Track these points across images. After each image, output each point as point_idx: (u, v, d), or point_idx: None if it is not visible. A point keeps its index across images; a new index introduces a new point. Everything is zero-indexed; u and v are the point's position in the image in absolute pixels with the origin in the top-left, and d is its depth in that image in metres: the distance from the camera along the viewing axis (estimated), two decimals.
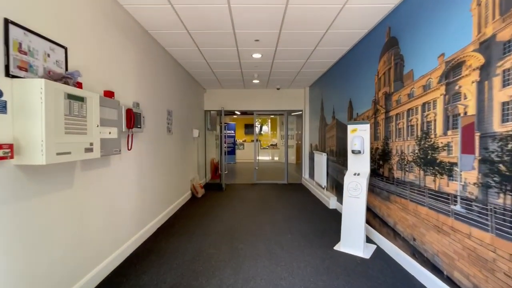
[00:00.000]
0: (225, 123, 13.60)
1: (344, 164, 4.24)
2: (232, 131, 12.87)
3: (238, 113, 12.02)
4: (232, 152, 12.80)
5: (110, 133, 2.32)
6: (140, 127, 2.96)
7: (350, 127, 3.15)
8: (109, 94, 2.41)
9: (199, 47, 3.92)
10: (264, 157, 13.78)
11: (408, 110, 2.53)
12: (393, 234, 2.79)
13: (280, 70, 5.19)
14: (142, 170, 3.25)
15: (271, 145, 14.93)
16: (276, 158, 14.14)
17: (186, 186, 5.32)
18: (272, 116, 14.30)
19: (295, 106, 7.19)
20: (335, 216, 4.19)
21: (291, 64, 4.79)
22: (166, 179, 4.12)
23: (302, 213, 4.40)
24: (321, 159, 5.34)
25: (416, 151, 2.40)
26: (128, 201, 2.89)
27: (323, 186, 5.22)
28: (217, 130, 8.45)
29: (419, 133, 2.37)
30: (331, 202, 4.67)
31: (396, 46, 2.73)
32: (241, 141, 14.21)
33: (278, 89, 6.89)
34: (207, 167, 7.53)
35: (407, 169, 2.55)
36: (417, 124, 2.39)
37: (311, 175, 6.49)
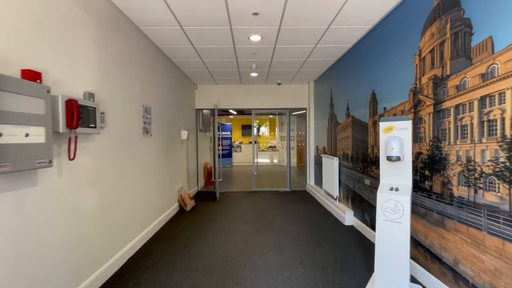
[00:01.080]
0: (220, 124, 12.78)
1: (365, 171, 3.42)
2: (229, 133, 12.05)
3: (235, 113, 11.20)
4: (228, 155, 11.97)
5: (27, 135, 1.48)
6: (94, 127, 2.12)
7: (383, 125, 2.33)
8: (30, 75, 1.57)
9: (182, 26, 3.09)
10: (263, 160, 12.94)
11: (482, 98, 1.71)
12: (453, 276, 1.97)
13: (283, 59, 4.37)
14: (102, 186, 2.40)
15: (270, 147, 14.12)
16: (275, 161, 13.33)
17: (172, 198, 4.47)
18: (271, 116, 13.50)
19: (298, 104, 6.38)
20: (355, 237, 3.37)
21: (296, 51, 3.97)
22: (142, 194, 3.27)
23: (312, 232, 3.57)
24: (331, 165, 4.52)
25: (503, 160, 1.58)
26: (70, 234, 2.04)
27: (335, 197, 4.40)
28: (211, 131, 7.61)
29: (508, 132, 1.55)
30: (347, 217, 3.85)
31: (456, 8, 1.92)
32: (237, 143, 13.37)
33: (279, 84, 6.07)
34: (200, 173, 6.68)
35: (480, 185, 1.73)
36: (502, 119, 1.58)
37: (318, 181, 5.67)
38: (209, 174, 7.18)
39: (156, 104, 3.72)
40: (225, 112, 11.46)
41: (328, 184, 4.76)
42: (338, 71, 4.45)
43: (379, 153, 3.01)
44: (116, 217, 2.64)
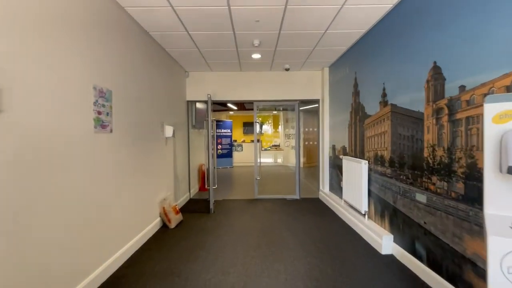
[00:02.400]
0: (219, 120, 11.77)
1: (416, 182, 2.37)
2: (229, 130, 11.03)
3: (235, 108, 10.16)
4: (228, 154, 10.97)
5: None
6: None
7: (492, 109, 1.28)
8: None
9: None
10: (266, 160, 11.91)
11: None
12: None
13: (295, 30, 3.32)
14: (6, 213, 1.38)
15: (273, 146, 13.07)
16: (279, 161, 12.29)
17: (151, 213, 3.45)
18: (275, 112, 12.45)
19: (309, 94, 5.33)
20: (400, 275, 2.33)
21: (314, 16, 2.92)
22: (95, 213, 2.25)
23: (339, 266, 2.53)
24: (357, 170, 3.48)
25: None
26: None
27: (363, 212, 3.35)
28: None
29: None
30: (385, 243, 2.80)
31: None
32: (239, 142, 12.35)
33: (287, 69, 5.02)
34: (193, 177, 5.66)
35: None
36: None
37: (336, 189, 4.63)
38: (204, 178, 6.17)
39: (121, 88, 2.69)
40: (224, 108, 10.43)
41: (351, 195, 3.72)
42: (366, 47, 3.39)
43: (446, 156, 1.97)
44: (37, 257, 1.62)
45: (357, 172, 3.49)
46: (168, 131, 4.02)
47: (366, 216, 3.34)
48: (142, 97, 3.18)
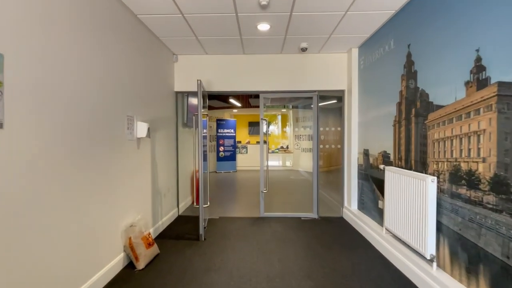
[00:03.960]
0: (221, 119, 10.63)
1: None
2: (232, 130, 9.92)
3: (239, 105, 9.02)
4: (231, 157, 9.85)
5: None
6: None
7: None
8: None
9: None
10: (273, 163, 10.73)
11: None
12: None
13: None
14: None
15: (281, 148, 11.89)
16: (288, 164, 11.09)
17: (110, 248, 2.32)
18: (284, 110, 11.28)
19: (330, 84, 4.15)
20: None
21: None
22: None
23: None
24: (415, 189, 2.28)
25: None
26: None
27: (428, 257, 2.15)
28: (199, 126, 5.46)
29: None
30: None
31: None
32: (243, 143, 11.23)
33: (303, 50, 3.84)
34: (184, 187, 4.53)
35: None
36: None
37: (367, 208, 3.44)
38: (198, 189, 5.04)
39: (32, 55, 1.57)
40: (226, 105, 9.30)
41: (401, 224, 2.52)
42: (433, 2, 2.20)
43: None
44: None
45: (414, 193, 2.29)
46: (141, 129, 2.90)
47: (435, 264, 2.13)
48: (87, 79, 2.06)
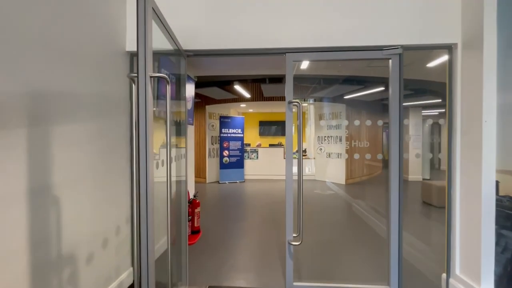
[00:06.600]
0: (226, 117, 8.60)
1: None
2: (240, 130, 7.96)
3: (248, 96, 7.06)
4: (238, 164, 7.90)
5: None
6: None
7: None
8: None
9: None
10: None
11: None
12: None
13: None
14: None
15: (297, 152, 9.82)
16: (307, 171, 8.99)
17: None
18: (305, 104, 9.18)
19: (426, 34, 2.09)
20: None
21: None
22: None
23: None
24: None
25: None
26: None
27: None
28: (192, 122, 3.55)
29: None
30: None
31: None
32: (253, 146, 9.26)
33: None
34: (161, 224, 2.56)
35: None
36: None
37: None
38: (193, 217, 3.04)
39: None
40: (232, 96, 7.32)
41: None
42: None
43: None
44: None
45: None
46: None
47: None
48: None
